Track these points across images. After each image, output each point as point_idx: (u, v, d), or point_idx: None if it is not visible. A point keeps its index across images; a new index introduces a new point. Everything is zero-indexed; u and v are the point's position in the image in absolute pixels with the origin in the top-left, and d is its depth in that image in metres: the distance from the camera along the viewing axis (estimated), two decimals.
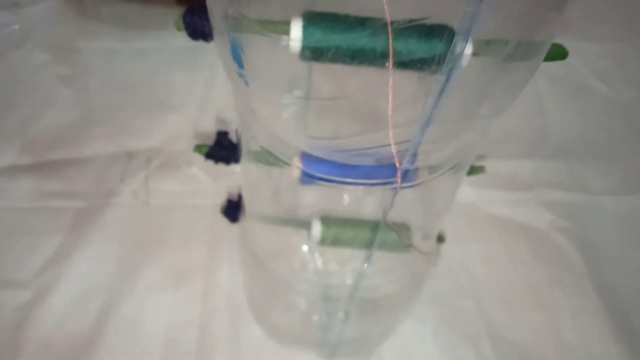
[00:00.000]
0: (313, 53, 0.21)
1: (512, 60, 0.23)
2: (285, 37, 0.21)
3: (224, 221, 0.41)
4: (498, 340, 0.41)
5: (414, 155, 0.21)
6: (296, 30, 0.21)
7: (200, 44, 0.65)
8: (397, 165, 0.21)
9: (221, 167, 0.49)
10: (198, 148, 0.31)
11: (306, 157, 0.28)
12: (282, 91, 0.24)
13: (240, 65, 0.20)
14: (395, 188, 0.22)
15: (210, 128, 0.54)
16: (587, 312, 0.43)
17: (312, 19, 0.21)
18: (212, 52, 0.61)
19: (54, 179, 0.50)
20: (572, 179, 0.51)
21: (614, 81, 0.60)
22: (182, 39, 0.63)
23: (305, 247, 0.38)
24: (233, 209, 0.36)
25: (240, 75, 0.21)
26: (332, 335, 0.37)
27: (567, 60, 0.68)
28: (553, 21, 0.22)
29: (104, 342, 0.40)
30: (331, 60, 0.22)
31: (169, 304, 0.42)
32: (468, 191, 0.50)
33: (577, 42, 0.63)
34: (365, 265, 0.34)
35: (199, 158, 0.53)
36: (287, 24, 0.21)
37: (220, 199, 0.48)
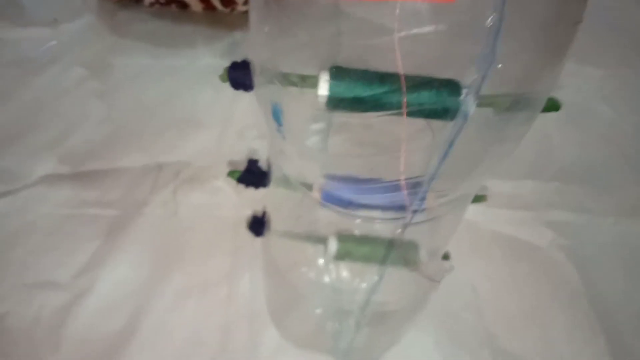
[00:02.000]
0: (337, 103, 0.25)
1: (512, 111, 0.26)
2: (314, 89, 0.25)
3: (246, 232, 0.45)
4: (497, 352, 0.44)
5: (423, 199, 0.25)
6: (323, 84, 0.25)
7: (225, 64, 0.69)
8: (407, 203, 0.24)
9: None
10: (231, 173, 0.35)
11: (326, 186, 0.32)
12: (307, 135, 0.27)
13: (280, 123, 0.24)
14: (405, 224, 0.26)
15: (234, 145, 0.58)
16: (582, 328, 0.46)
17: (337, 74, 0.25)
18: None
19: (90, 188, 0.54)
20: (573, 200, 0.54)
21: (618, 106, 0.63)
22: (209, 58, 0.67)
23: (321, 261, 0.42)
24: (258, 225, 0.40)
25: (279, 131, 0.24)
26: (344, 342, 0.41)
27: (574, 83, 0.72)
28: (548, 79, 0.25)
29: (135, 343, 0.44)
30: (352, 109, 0.25)
31: (194, 308, 0.46)
32: (473, 210, 0.53)
33: (585, 67, 0.66)
34: (377, 278, 0.37)
35: (224, 172, 0.57)
36: (315, 78, 0.25)
37: (243, 211, 0.52)
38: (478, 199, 0.35)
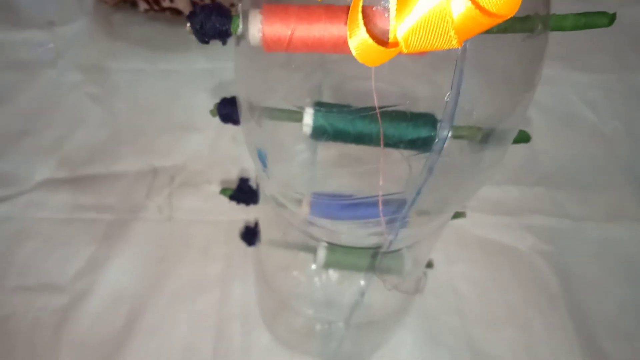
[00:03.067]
0: (321, 134, 0.27)
1: (485, 143, 0.28)
2: (299, 123, 0.26)
3: (238, 238, 0.47)
4: (477, 352, 0.47)
5: (400, 228, 0.27)
6: (308, 117, 0.26)
7: (219, 67, 0.70)
8: (384, 233, 0.26)
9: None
10: (223, 191, 0.36)
11: (313, 203, 0.33)
12: (293, 161, 0.29)
13: (264, 165, 0.26)
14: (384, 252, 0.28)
15: (227, 149, 0.59)
16: (558, 331, 0.48)
17: (320, 109, 0.27)
18: (230, 75, 0.66)
19: (87, 193, 0.55)
20: (555, 205, 0.56)
21: (602, 111, 0.65)
22: (203, 62, 0.68)
23: (311, 267, 0.44)
24: (250, 235, 0.42)
25: (264, 171, 0.26)
26: (332, 345, 0.43)
27: (559, 89, 0.73)
28: (516, 114, 0.27)
29: (132, 345, 0.46)
30: (335, 139, 0.27)
31: (188, 311, 0.48)
32: None
33: (570, 72, 0.68)
34: (363, 282, 0.39)
35: (218, 177, 0.58)
36: (300, 112, 0.26)
37: (236, 216, 0.54)
38: (457, 215, 0.37)
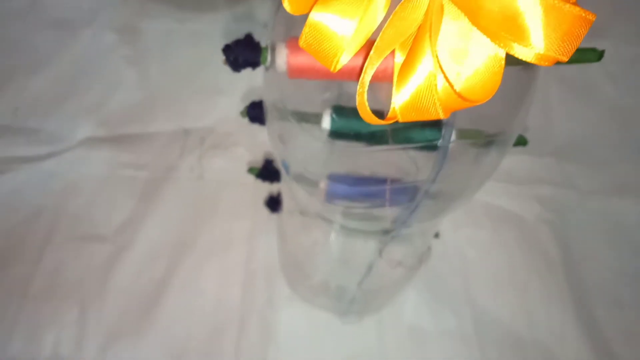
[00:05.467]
0: (338, 136, 0.30)
1: (487, 145, 0.31)
2: (318, 124, 0.30)
3: (263, 197, 0.52)
4: (477, 311, 0.51)
5: (407, 220, 0.31)
6: (326, 119, 0.30)
7: (246, 29, 0.72)
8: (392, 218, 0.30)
9: (262, 149, 0.59)
10: (251, 170, 0.40)
11: (330, 184, 0.37)
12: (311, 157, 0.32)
13: (287, 173, 0.29)
14: (393, 236, 0.32)
15: None
16: (555, 297, 0.52)
17: (338, 112, 0.30)
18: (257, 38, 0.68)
19: (126, 151, 0.60)
20: (563, 177, 0.59)
21: (622, 85, 0.66)
22: (231, 24, 0.70)
23: (329, 234, 0.48)
24: (273, 203, 0.46)
25: (286, 174, 0.30)
26: (345, 302, 0.48)
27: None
28: (516, 122, 0.30)
29: (169, 294, 0.52)
30: (350, 139, 0.31)
31: (218, 265, 0.54)
32: None
33: (594, 40, 0.68)
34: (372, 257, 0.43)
35: (245, 140, 0.62)
36: (319, 115, 0.30)
37: None
38: None
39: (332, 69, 0.18)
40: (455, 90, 0.16)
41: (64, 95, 0.64)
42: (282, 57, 0.23)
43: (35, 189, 0.57)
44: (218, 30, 0.69)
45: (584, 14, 0.15)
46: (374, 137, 0.30)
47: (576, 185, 0.59)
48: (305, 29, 0.17)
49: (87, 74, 0.65)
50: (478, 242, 0.56)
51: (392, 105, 0.17)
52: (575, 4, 0.16)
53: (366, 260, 0.40)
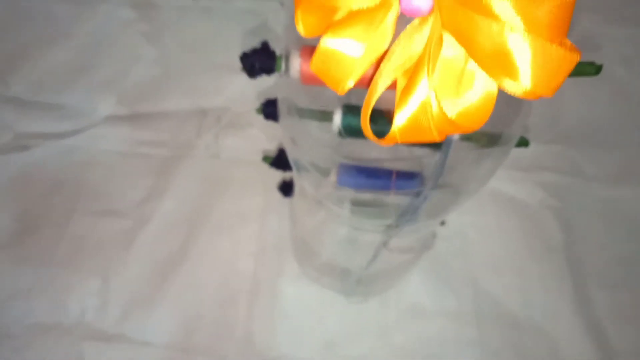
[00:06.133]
0: (347, 133, 0.32)
1: (490, 146, 0.33)
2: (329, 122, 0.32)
3: (276, 177, 0.54)
4: (477, 291, 0.54)
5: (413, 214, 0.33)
6: (337, 117, 0.32)
7: (259, 8, 0.74)
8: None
9: (275, 130, 0.61)
10: (265, 159, 0.42)
11: (340, 171, 0.39)
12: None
13: (298, 170, 0.31)
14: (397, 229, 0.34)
15: (268, 92, 0.64)
16: (553, 280, 0.54)
17: (348, 110, 0.32)
18: (271, 17, 0.69)
19: (144, 129, 0.62)
20: (568, 163, 0.60)
21: (633, 69, 0.66)
22: (243, 2, 0.71)
23: (338, 217, 0.51)
24: (286, 188, 0.48)
25: (297, 172, 0.32)
26: (350, 283, 0.51)
27: (595, 43, 0.74)
28: (516, 124, 0.31)
29: (185, 264, 0.55)
30: (359, 136, 0.32)
31: (233, 239, 0.57)
32: None
33: (607, 26, 0.68)
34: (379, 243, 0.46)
35: (259, 120, 0.64)
36: (330, 113, 0.31)
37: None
38: None
39: (339, 93, 0.19)
40: (449, 119, 0.18)
41: (82, 69, 0.66)
42: (296, 66, 0.25)
43: (57, 163, 0.60)
44: (231, 7, 0.70)
45: (569, 55, 0.17)
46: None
47: (581, 172, 0.60)
48: (316, 55, 0.19)
49: (105, 49, 0.67)
50: (481, 226, 0.58)
51: (392, 127, 0.19)
52: (564, 39, 0.17)
53: (372, 246, 0.42)
